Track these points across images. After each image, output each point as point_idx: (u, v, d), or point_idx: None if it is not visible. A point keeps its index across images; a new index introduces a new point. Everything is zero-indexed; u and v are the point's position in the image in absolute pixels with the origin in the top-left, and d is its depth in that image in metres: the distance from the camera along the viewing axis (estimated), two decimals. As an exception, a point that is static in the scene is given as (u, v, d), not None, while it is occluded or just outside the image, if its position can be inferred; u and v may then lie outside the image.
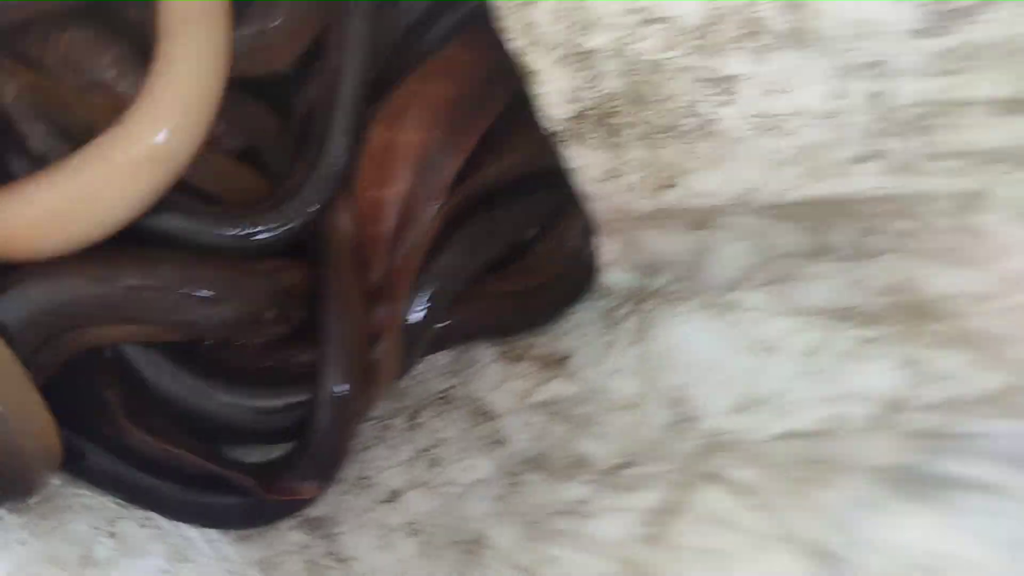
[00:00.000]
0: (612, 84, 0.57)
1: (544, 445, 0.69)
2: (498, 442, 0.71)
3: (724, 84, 0.55)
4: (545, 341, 0.77)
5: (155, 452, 0.61)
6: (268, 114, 0.71)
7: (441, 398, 0.76)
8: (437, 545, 0.61)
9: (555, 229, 0.78)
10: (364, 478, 0.72)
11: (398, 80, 0.71)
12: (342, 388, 0.61)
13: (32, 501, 0.57)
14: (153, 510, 0.62)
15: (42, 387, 0.57)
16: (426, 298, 0.68)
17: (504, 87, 0.70)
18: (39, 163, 0.60)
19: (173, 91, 0.60)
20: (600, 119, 0.61)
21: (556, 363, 0.75)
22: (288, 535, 0.68)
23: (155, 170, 0.61)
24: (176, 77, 0.60)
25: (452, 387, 0.76)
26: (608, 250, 0.77)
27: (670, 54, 0.55)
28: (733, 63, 0.53)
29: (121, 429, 0.60)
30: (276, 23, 0.67)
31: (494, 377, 0.75)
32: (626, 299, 0.77)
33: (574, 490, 0.59)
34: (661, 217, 0.67)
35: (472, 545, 0.60)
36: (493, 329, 0.75)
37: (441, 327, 0.70)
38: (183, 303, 0.61)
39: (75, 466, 0.62)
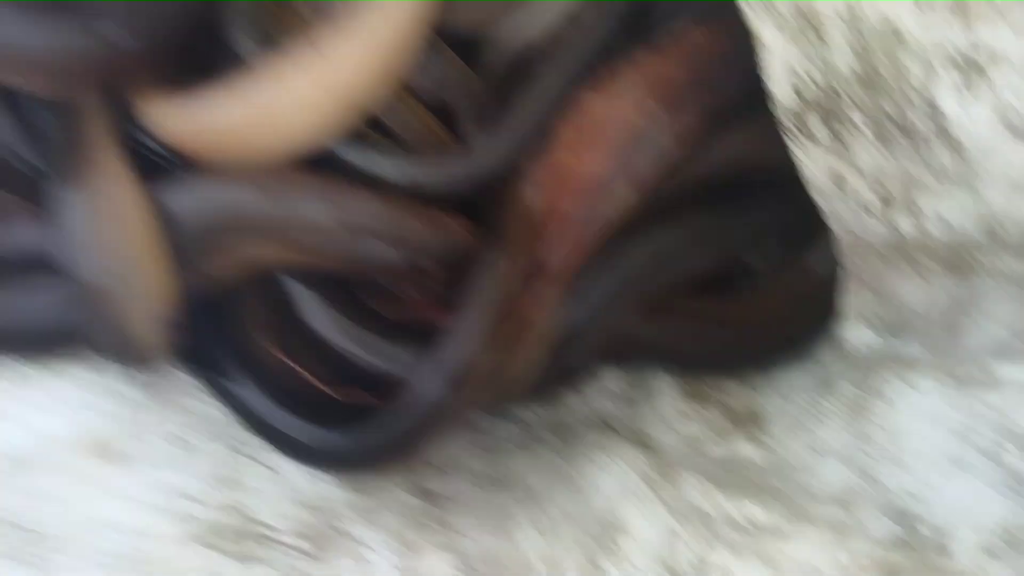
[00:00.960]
0: (841, 60, 0.47)
1: (709, 507, 0.57)
2: (656, 486, 0.60)
3: (977, 69, 0.40)
4: (740, 390, 0.67)
5: (279, 367, 0.59)
6: (469, 71, 0.65)
7: (602, 422, 0.68)
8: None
9: (788, 253, 0.66)
10: (495, 477, 0.65)
11: (623, 50, 0.63)
12: (460, 364, 0.55)
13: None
14: (258, 432, 0.59)
15: (191, 292, 0.57)
16: (599, 294, 0.61)
17: (741, 76, 0.59)
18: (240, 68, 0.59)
19: (378, 16, 0.58)
20: (826, 108, 0.51)
21: (748, 419, 0.65)
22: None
23: (348, 94, 0.58)
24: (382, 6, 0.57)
25: (616, 413, 0.67)
26: (849, 294, 0.63)
27: (916, 21, 0.42)
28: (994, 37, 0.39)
29: (253, 340, 0.60)
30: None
31: (669, 414, 0.66)
32: (853, 359, 0.63)
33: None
34: (905, 252, 0.52)
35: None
36: (682, 358, 0.66)
37: (617, 339, 0.62)
38: (348, 235, 0.59)
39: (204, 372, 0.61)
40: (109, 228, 0.53)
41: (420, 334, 0.60)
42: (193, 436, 0.57)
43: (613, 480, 0.59)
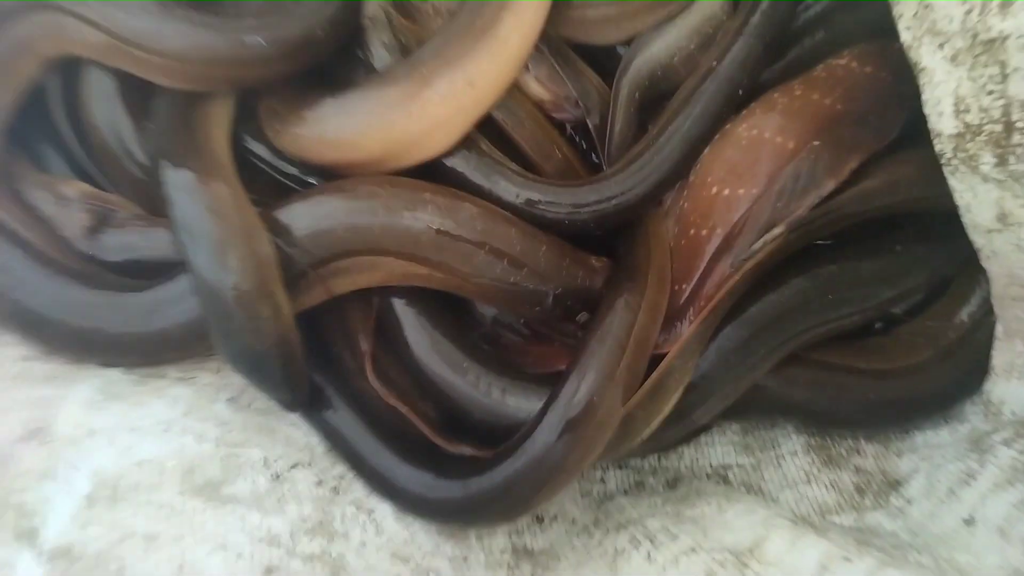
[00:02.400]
0: (1022, 87, 0.43)
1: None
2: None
3: None
4: (876, 450, 0.62)
5: (382, 406, 0.55)
6: (607, 91, 0.62)
7: (718, 474, 0.63)
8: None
9: (934, 297, 0.60)
10: (597, 522, 0.59)
11: (780, 77, 0.59)
12: (579, 409, 0.50)
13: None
14: (357, 471, 0.55)
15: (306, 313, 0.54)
16: (737, 342, 0.55)
17: (899, 109, 0.56)
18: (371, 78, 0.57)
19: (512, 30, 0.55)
20: (996, 138, 0.47)
21: (884, 484, 0.60)
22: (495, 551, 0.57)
23: (478, 109, 0.56)
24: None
25: (735, 466, 0.63)
26: (1002, 346, 0.57)
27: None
28: None
29: (359, 371, 0.56)
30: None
31: (794, 474, 0.61)
32: (1009, 424, 0.56)
33: None
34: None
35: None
36: (811, 413, 0.61)
37: (745, 389, 0.56)
38: (476, 254, 0.54)
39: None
40: (218, 222, 0.50)
41: (538, 378, 0.56)
42: (290, 470, 0.53)
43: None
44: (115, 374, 0.53)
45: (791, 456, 0.62)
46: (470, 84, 0.54)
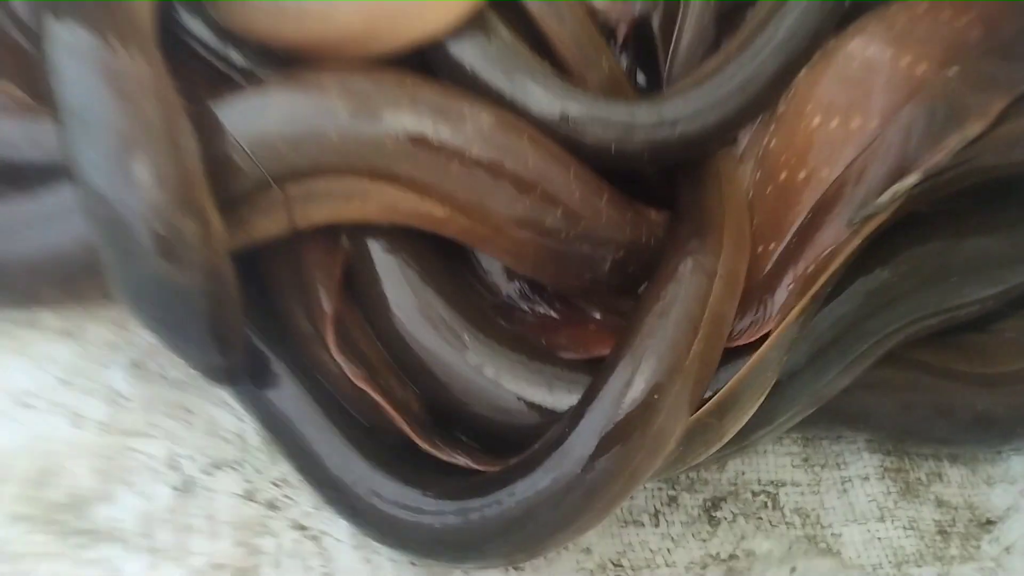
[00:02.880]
0: None
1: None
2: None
3: None
4: (961, 476, 0.52)
5: (346, 387, 0.42)
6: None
7: (765, 493, 0.52)
8: None
9: None
10: (618, 566, 0.48)
11: None
12: (632, 408, 0.36)
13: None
14: (307, 476, 0.41)
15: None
16: (831, 329, 0.42)
17: None
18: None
19: None
20: None
21: (973, 524, 0.51)
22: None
23: None
24: None
25: (790, 484, 0.52)
26: None
27: None
28: None
29: (317, 338, 0.42)
30: None
31: (864, 506, 0.51)
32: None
33: None
34: None
35: None
36: (893, 422, 0.49)
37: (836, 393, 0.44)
38: (500, 188, 0.40)
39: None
40: (125, 108, 0.36)
41: (570, 366, 0.42)
42: (209, 473, 0.38)
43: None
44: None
45: (861, 481, 0.52)
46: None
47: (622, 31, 0.47)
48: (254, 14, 0.42)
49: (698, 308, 0.38)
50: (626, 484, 0.36)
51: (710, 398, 0.39)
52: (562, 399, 0.41)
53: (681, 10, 0.47)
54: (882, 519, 0.50)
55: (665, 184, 0.47)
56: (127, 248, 0.35)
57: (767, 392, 0.40)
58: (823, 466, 0.52)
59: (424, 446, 0.39)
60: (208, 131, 0.39)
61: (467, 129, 0.40)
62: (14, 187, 0.41)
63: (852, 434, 0.52)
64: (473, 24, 0.42)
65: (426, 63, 0.44)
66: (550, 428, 0.39)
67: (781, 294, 0.40)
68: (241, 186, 0.39)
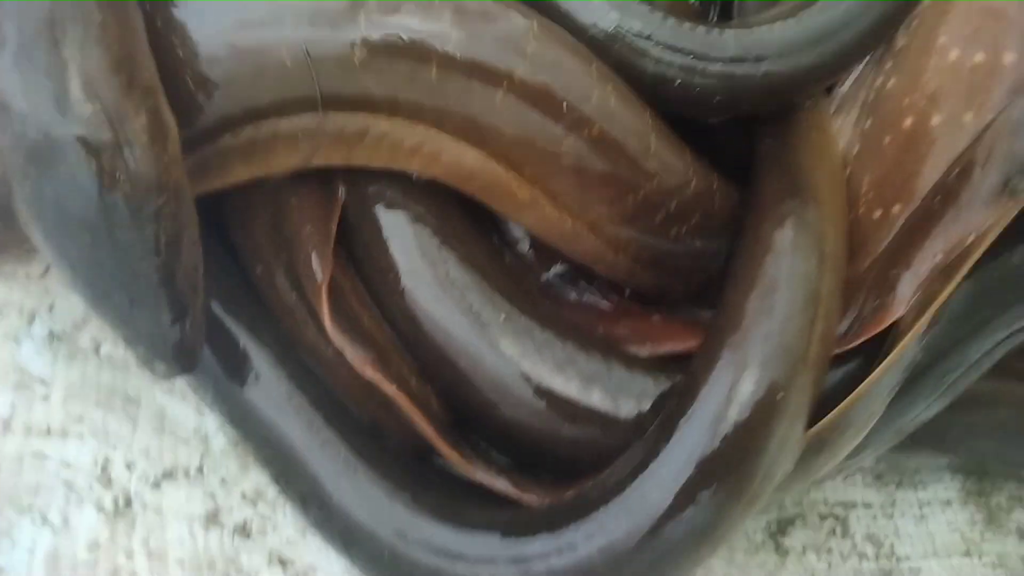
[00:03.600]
0: None
1: None
2: None
3: None
4: None
5: (347, 380, 0.34)
6: None
7: (835, 516, 0.46)
8: None
9: None
10: None
11: None
12: (742, 416, 0.29)
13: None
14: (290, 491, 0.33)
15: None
16: (957, 324, 0.35)
17: None
18: None
19: None
20: None
21: None
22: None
23: None
24: None
25: (861, 505, 0.46)
26: None
27: None
28: None
29: (307, 312, 0.35)
30: None
31: (946, 537, 0.46)
32: None
33: None
34: None
35: None
36: (971, 444, 0.45)
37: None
38: (538, 118, 0.33)
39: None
40: None
41: (633, 362, 0.34)
42: (155, 486, 0.30)
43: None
44: None
45: (942, 506, 0.47)
46: None
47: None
48: None
49: (810, 283, 0.31)
50: (737, 518, 0.28)
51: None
52: (626, 405, 0.32)
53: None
54: (968, 555, 0.45)
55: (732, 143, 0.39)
56: (46, 155, 0.27)
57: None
58: (898, 483, 0.47)
59: (453, 459, 0.31)
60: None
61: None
62: None
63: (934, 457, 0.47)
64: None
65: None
66: (611, 443, 0.31)
67: (915, 273, 0.33)
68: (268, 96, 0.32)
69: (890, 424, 0.36)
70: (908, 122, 0.37)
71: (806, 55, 0.38)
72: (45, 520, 0.27)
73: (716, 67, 0.37)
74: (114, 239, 0.28)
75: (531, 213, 0.36)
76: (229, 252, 0.38)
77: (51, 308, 0.33)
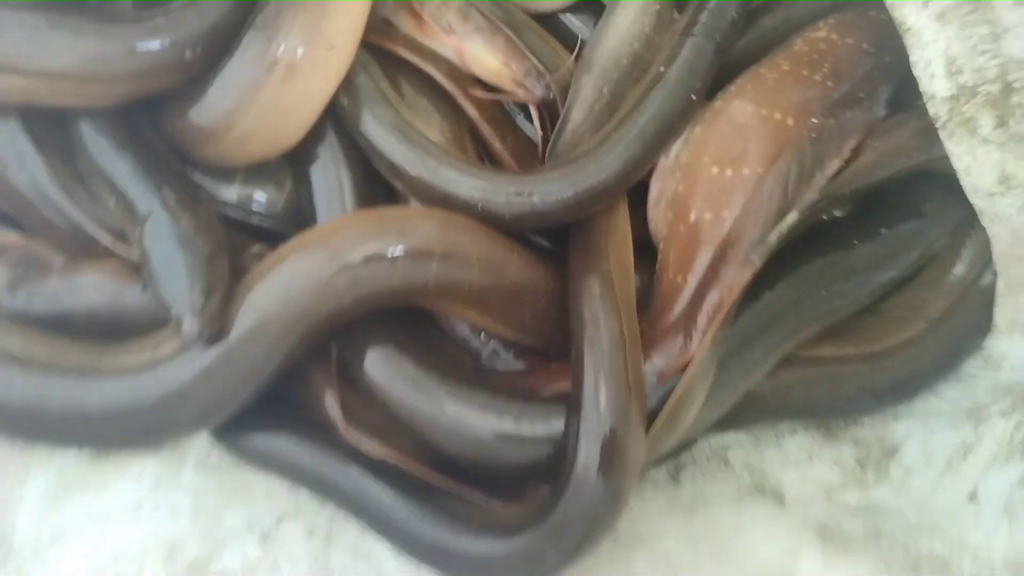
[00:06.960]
0: (1018, 48, 0.44)
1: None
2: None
3: None
4: (874, 419, 0.60)
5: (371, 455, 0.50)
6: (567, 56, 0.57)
7: (719, 456, 0.60)
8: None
9: (933, 259, 0.57)
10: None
11: (756, 52, 0.56)
12: (612, 421, 0.46)
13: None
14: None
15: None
16: (730, 346, 0.51)
17: (888, 86, 0.54)
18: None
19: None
20: (993, 100, 0.47)
21: (882, 453, 0.58)
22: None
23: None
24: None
25: (735, 446, 0.60)
26: (1005, 302, 0.55)
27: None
28: None
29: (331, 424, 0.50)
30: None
31: (795, 453, 0.59)
32: (1010, 390, 0.55)
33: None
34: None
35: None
36: (815, 411, 0.58)
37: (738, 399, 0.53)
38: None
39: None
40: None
41: (549, 400, 0.51)
42: (277, 526, 0.48)
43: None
44: (67, 457, 0.46)
45: (790, 434, 0.60)
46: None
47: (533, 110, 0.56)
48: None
49: (614, 313, 0.48)
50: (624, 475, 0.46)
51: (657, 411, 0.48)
52: (543, 428, 0.49)
53: (571, 94, 0.55)
54: (811, 460, 0.58)
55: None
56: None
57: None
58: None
59: (445, 486, 0.48)
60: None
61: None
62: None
63: (787, 424, 0.59)
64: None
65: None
66: (541, 455, 0.48)
67: (702, 320, 0.49)
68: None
69: (726, 388, 0.51)
70: (691, 217, 0.51)
71: (564, 193, 0.51)
72: (233, 553, 0.45)
73: (502, 199, 0.51)
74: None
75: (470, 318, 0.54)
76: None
77: (191, 445, 0.51)
